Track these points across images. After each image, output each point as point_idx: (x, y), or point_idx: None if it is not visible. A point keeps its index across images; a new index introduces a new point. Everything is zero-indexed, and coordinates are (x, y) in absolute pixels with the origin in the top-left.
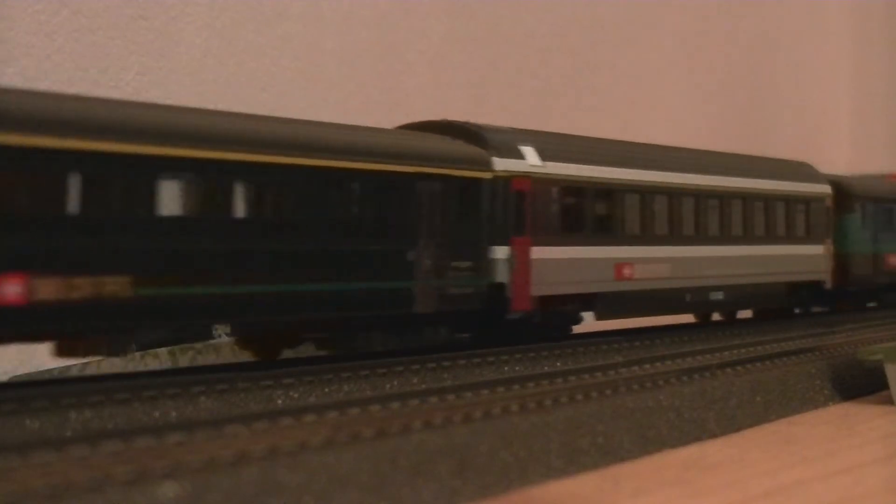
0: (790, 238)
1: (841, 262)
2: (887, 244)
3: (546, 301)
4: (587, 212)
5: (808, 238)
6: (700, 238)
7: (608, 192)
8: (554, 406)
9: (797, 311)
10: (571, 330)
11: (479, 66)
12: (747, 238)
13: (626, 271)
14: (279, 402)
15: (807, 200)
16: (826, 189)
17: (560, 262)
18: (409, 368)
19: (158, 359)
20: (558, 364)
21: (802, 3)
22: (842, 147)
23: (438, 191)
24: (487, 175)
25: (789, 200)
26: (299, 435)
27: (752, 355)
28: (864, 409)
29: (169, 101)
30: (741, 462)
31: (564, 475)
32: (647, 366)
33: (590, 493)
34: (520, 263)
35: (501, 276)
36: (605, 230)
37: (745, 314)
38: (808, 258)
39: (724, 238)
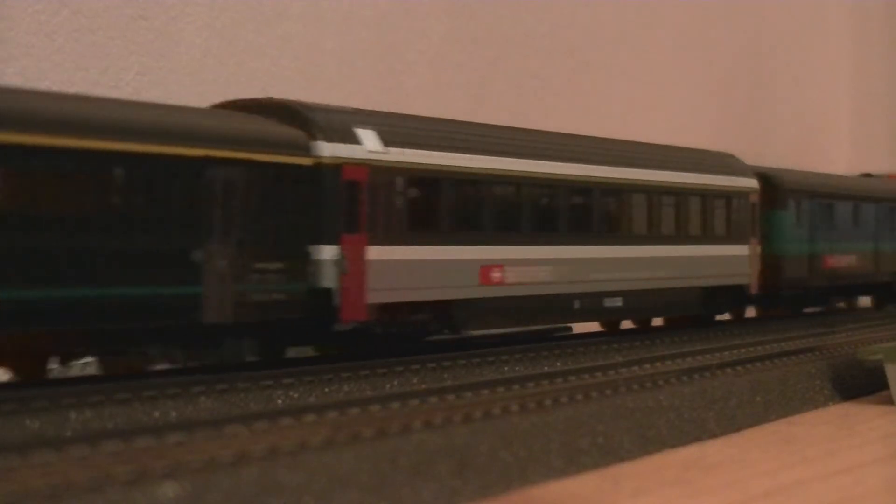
0: (707, 237)
1: (771, 265)
2: (826, 244)
3: (388, 310)
4: (443, 206)
5: (730, 237)
6: (593, 237)
7: (473, 183)
8: (554, 406)
9: (719, 318)
10: (423, 342)
11: (479, 66)
12: (653, 237)
13: (495, 275)
14: (279, 402)
15: (728, 195)
16: (751, 183)
17: (406, 265)
18: (409, 368)
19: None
20: (558, 364)
21: (802, 4)
22: (842, 147)
23: (238, 179)
24: (306, 161)
25: (706, 195)
26: (299, 435)
27: (752, 355)
28: (864, 409)
29: (169, 101)
30: (741, 462)
31: (564, 475)
32: (647, 366)
33: (590, 493)
34: (352, 266)
35: (327, 280)
36: (468, 228)
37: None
38: (728, 260)
39: (625, 237)
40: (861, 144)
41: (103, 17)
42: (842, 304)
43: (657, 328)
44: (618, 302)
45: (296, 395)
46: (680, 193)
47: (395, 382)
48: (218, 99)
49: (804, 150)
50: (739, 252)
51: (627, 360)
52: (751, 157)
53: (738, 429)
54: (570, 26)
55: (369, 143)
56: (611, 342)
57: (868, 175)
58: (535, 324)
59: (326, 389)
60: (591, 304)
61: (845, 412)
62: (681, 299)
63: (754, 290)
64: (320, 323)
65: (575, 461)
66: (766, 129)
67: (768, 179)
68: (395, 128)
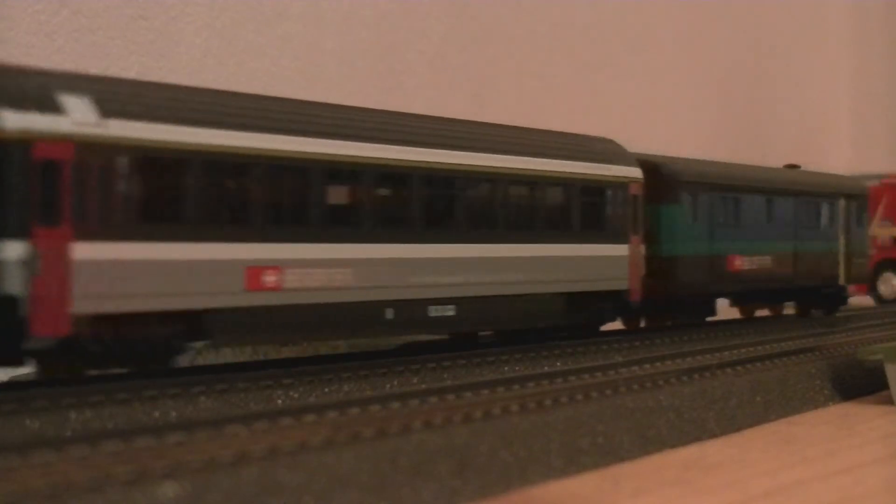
0: (572, 235)
1: (661, 267)
2: (732, 244)
3: (108, 322)
4: (192, 194)
5: (604, 235)
6: (413, 233)
7: (237, 166)
8: (554, 406)
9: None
10: (176, 361)
11: (479, 67)
12: (499, 234)
13: (268, 278)
14: (279, 402)
15: (601, 186)
16: (632, 172)
17: (133, 266)
18: (409, 368)
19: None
20: (558, 364)
21: (802, 4)
22: (842, 147)
23: None
24: None
25: (571, 185)
26: (299, 435)
27: (752, 355)
28: (864, 409)
29: None
30: (741, 462)
31: (564, 475)
32: (647, 366)
33: (590, 493)
34: (47, 266)
35: (11, 284)
36: (229, 220)
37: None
38: (600, 261)
39: (459, 233)
40: (861, 144)
41: (103, 17)
42: (764, 312)
43: (657, 328)
44: (449, 311)
45: (296, 395)
46: (536, 183)
47: (395, 382)
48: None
49: (804, 150)
50: (616, 252)
51: (627, 360)
52: (750, 158)
53: (738, 429)
54: (570, 26)
55: (77, 114)
56: (611, 342)
57: (793, 166)
58: (330, 337)
59: (326, 389)
60: (409, 314)
61: (845, 412)
62: (537, 308)
63: (635, 296)
64: (4, 339)
65: (575, 461)
66: (766, 129)
67: (656, 169)
68: (124, 95)
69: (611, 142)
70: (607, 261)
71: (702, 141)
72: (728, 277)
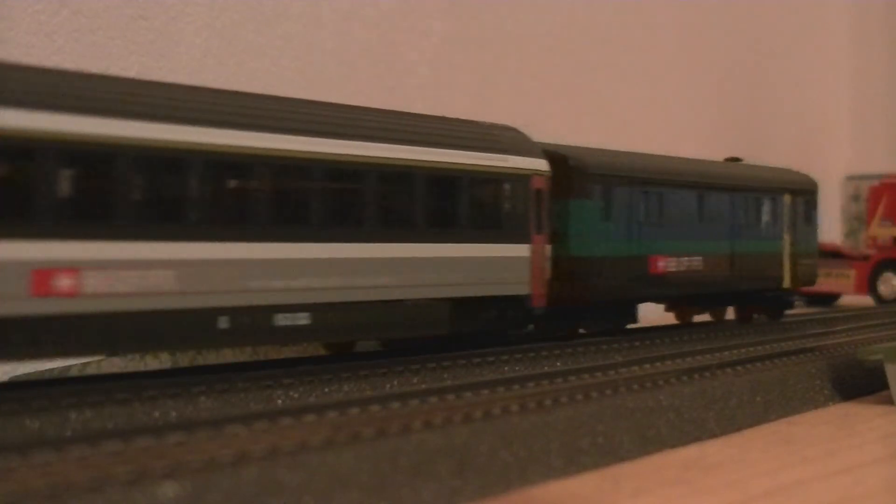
0: (458, 233)
1: (570, 269)
2: (654, 242)
3: None
4: None
5: (500, 233)
6: (257, 230)
7: (19, 150)
8: (554, 406)
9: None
10: None
11: (479, 67)
12: (367, 232)
13: (62, 282)
14: (279, 402)
15: (496, 180)
16: (535, 164)
17: None
18: (408, 368)
19: (158, 359)
20: (558, 364)
21: (802, 4)
22: (842, 147)
23: None
24: None
25: (457, 178)
26: (299, 435)
27: (752, 355)
28: (864, 409)
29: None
30: (741, 462)
31: (564, 475)
32: (647, 366)
33: (590, 493)
34: None
35: None
36: (7, 214)
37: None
38: (495, 263)
39: (316, 231)
40: (861, 144)
41: (103, 17)
42: (699, 318)
43: (657, 328)
44: (302, 319)
45: (296, 395)
46: (411, 175)
47: (395, 382)
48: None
49: (804, 150)
50: (514, 253)
51: (627, 360)
52: (750, 158)
53: (738, 429)
54: (570, 26)
55: None
56: (611, 342)
57: (735, 159)
58: (147, 350)
59: (326, 389)
60: (250, 323)
61: (845, 412)
62: (416, 315)
63: (539, 301)
64: None
65: (575, 461)
66: (766, 129)
67: (564, 160)
68: None
69: (512, 129)
70: (503, 262)
71: (702, 141)
72: (650, 281)
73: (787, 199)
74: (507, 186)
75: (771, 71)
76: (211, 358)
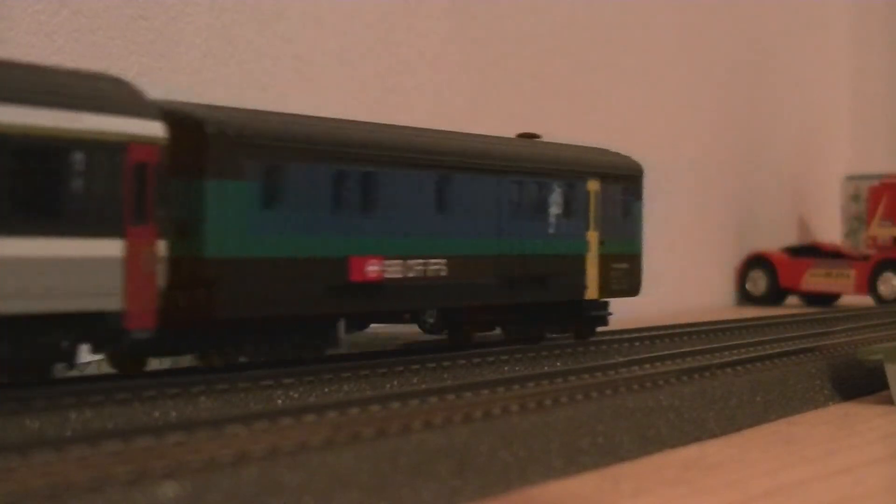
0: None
1: (204, 275)
2: (357, 240)
3: None
4: None
5: (64, 224)
6: None
7: None
8: (554, 406)
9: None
10: None
11: (479, 67)
12: None
13: None
14: (279, 402)
15: (57, 146)
16: (137, 127)
17: None
18: (408, 368)
19: (158, 359)
20: (558, 364)
21: (802, 4)
22: (842, 147)
23: None
24: None
25: None
26: (299, 435)
27: (752, 355)
28: (864, 409)
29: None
30: (741, 462)
31: (564, 475)
32: (647, 366)
33: (590, 493)
34: None
35: None
36: None
37: None
38: (49, 266)
39: None
40: (861, 144)
41: (103, 17)
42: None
43: (657, 327)
44: None
45: (296, 395)
46: None
47: (395, 382)
48: (218, 99)
49: (804, 150)
50: (91, 251)
51: (627, 360)
52: (750, 159)
53: (738, 429)
54: (570, 26)
55: None
56: (611, 342)
57: (531, 135)
58: None
59: (326, 389)
60: None
61: (845, 412)
62: None
63: (141, 322)
64: None
65: (575, 461)
66: (766, 129)
67: (199, 126)
68: None
69: (111, 79)
70: (69, 265)
71: (702, 141)
72: (353, 291)
73: (593, 186)
74: (77, 157)
75: (771, 71)
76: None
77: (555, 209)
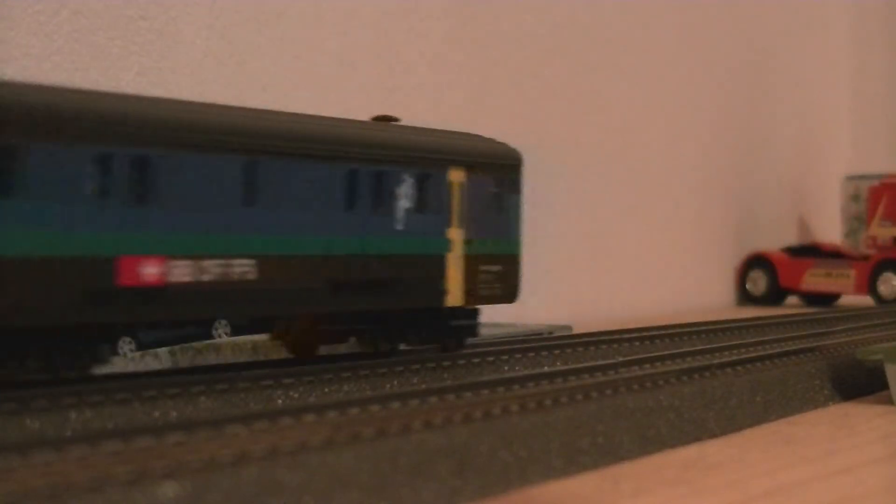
0: None
1: None
2: (127, 236)
3: None
4: None
5: None
6: None
7: None
8: (554, 406)
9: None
10: None
11: (480, 67)
12: None
13: None
14: (279, 402)
15: None
16: None
17: None
18: (408, 368)
19: (159, 359)
20: (558, 364)
21: (802, 4)
22: (842, 147)
23: None
24: None
25: None
26: (299, 435)
27: (752, 355)
28: (864, 409)
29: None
30: (741, 462)
31: (564, 475)
32: (647, 366)
33: (590, 493)
34: None
35: None
36: None
37: None
38: None
39: None
40: (861, 144)
41: (103, 18)
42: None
43: (657, 327)
44: None
45: (296, 395)
46: None
47: (395, 382)
48: (218, 99)
49: (804, 150)
50: None
51: (627, 360)
52: (751, 158)
53: (738, 429)
54: (570, 26)
55: None
56: (611, 342)
57: (388, 119)
58: None
59: (326, 389)
60: None
61: (845, 412)
62: None
63: None
64: None
65: (575, 461)
66: (767, 129)
67: None
68: None
69: None
70: None
71: (702, 141)
72: (121, 297)
73: (456, 176)
74: None
75: (771, 71)
76: (211, 358)
77: (404, 202)
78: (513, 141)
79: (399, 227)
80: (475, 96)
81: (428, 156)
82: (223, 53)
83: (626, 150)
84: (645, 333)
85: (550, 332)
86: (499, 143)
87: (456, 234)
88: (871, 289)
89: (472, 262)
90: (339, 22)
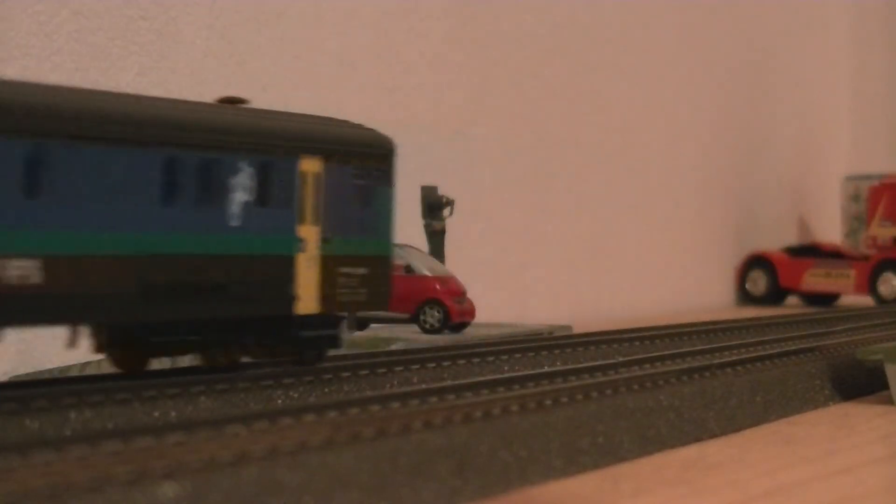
0: None
1: None
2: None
3: None
4: None
5: None
6: None
7: None
8: (554, 406)
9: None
10: None
11: (479, 67)
12: None
13: None
14: (279, 402)
15: None
16: None
17: None
18: (408, 368)
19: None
20: (558, 364)
21: (802, 4)
22: (842, 147)
23: None
24: None
25: None
26: (299, 435)
27: (752, 355)
28: (864, 409)
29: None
30: (741, 462)
31: (564, 475)
32: (647, 366)
33: (590, 493)
34: None
35: None
36: None
37: None
38: None
39: None
40: (861, 144)
41: (103, 18)
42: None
43: (657, 327)
44: None
45: (296, 395)
46: None
47: (395, 382)
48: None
49: (804, 150)
50: None
51: (627, 360)
52: (751, 159)
53: (738, 429)
54: (570, 26)
55: None
56: (611, 342)
57: (235, 100)
58: None
59: (326, 389)
60: None
61: (845, 412)
62: None
63: None
64: None
65: (575, 461)
66: (767, 128)
67: None
68: None
69: None
70: None
71: (702, 141)
72: None
73: (309, 166)
74: None
75: (771, 71)
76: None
77: (241, 195)
78: (513, 141)
79: (233, 223)
80: (475, 96)
81: (271, 142)
82: (223, 53)
83: (626, 150)
84: (645, 333)
85: (550, 332)
86: (367, 129)
87: (309, 232)
88: (871, 289)
89: (330, 264)
90: (339, 22)
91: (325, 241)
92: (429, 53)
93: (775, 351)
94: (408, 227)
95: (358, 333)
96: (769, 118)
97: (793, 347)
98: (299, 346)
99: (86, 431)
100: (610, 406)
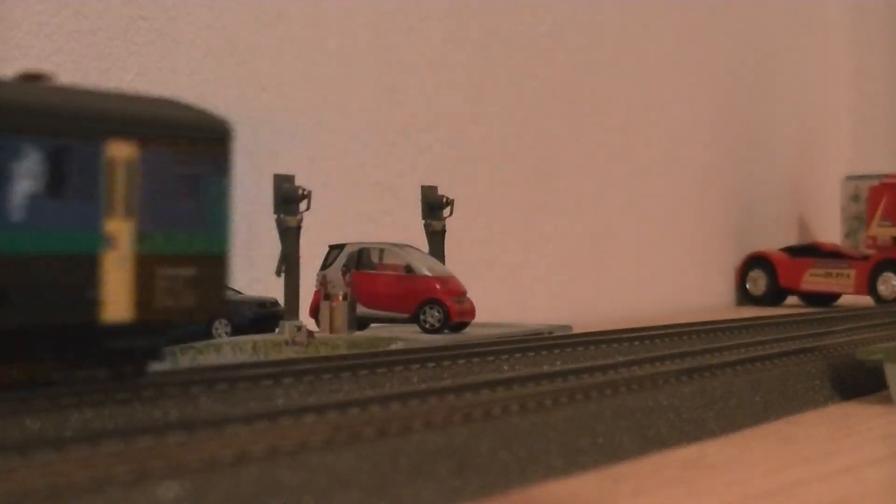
0: None
1: None
2: None
3: None
4: None
5: None
6: None
7: None
8: (554, 406)
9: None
10: None
11: (479, 67)
12: None
13: None
14: (279, 402)
15: None
16: None
17: None
18: (408, 368)
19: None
20: (558, 364)
21: (802, 4)
22: (842, 147)
23: None
24: None
25: None
26: (299, 435)
27: (751, 355)
28: (864, 409)
29: None
30: (741, 462)
31: (564, 475)
32: (647, 366)
33: (590, 493)
34: None
35: None
36: None
37: None
38: None
39: None
40: (861, 144)
41: (103, 18)
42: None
43: (657, 327)
44: None
45: (296, 395)
46: None
47: (395, 382)
48: (218, 99)
49: (804, 150)
50: None
51: (627, 360)
52: (751, 159)
53: (738, 429)
54: (570, 26)
55: None
56: (611, 342)
57: (34, 77)
58: None
59: (326, 389)
60: None
61: (845, 412)
62: None
63: None
64: None
65: (575, 461)
66: (767, 128)
67: None
68: None
69: None
70: None
71: (702, 141)
72: None
73: (119, 150)
74: None
75: (771, 71)
76: (211, 358)
77: (26, 184)
78: (513, 141)
79: (14, 217)
80: (475, 96)
81: (69, 124)
82: (223, 53)
83: (625, 150)
84: (645, 333)
85: (550, 332)
86: (198, 110)
87: (119, 228)
88: (871, 289)
89: (146, 265)
90: (339, 22)
91: (141, 238)
92: (429, 53)
93: (775, 351)
94: (408, 228)
95: (358, 333)
96: (769, 118)
97: (793, 347)
98: (109, 359)
99: (86, 431)
100: (610, 406)
